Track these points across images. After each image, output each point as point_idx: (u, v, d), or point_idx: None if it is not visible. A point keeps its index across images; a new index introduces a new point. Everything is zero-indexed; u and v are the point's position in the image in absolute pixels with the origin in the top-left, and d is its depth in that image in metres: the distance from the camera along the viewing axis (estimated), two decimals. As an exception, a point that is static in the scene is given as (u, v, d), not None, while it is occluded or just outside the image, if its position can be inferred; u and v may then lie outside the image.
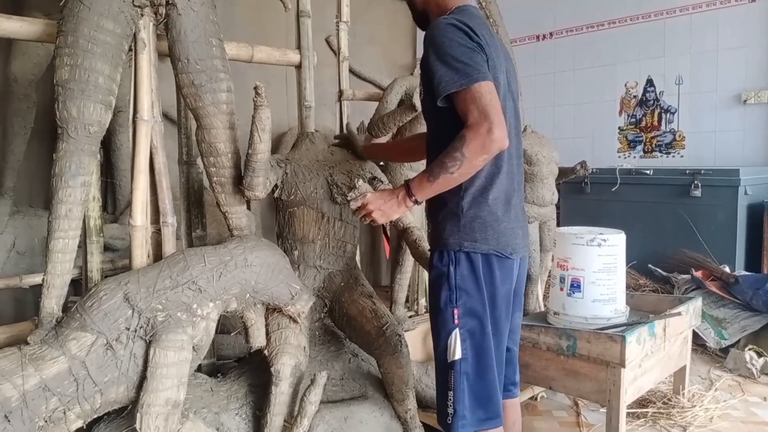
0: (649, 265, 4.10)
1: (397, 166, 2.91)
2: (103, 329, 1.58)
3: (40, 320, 1.65)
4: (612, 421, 2.38)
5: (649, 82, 4.81)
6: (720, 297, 3.60)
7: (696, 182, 3.99)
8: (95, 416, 1.63)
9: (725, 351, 3.42)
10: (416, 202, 1.63)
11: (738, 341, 3.42)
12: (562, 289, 2.62)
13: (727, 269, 3.70)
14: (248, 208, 2.10)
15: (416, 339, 2.89)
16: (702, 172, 4.00)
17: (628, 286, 2.89)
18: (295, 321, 1.95)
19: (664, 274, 4.03)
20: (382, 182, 2.27)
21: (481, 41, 1.56)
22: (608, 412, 2.40)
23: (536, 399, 2.93)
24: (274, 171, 2.07)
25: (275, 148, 3.63)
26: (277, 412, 1.85)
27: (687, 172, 4.08)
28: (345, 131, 2.39)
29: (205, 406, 1.87)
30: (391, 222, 2.24)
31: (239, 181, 1.91)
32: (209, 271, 1.72)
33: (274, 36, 3.46)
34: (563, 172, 3.56)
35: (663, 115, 4.76)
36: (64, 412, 1.53)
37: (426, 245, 2.24)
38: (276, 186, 2.13)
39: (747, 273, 3.72)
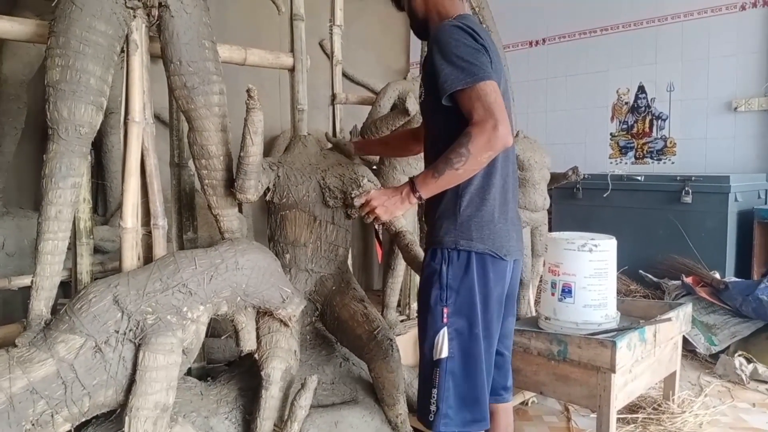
0: (640, 271, 4.12)
1: (390, 170, 2.91)
2: (92, 332, 1.57)
3: (29, 322, 1.63)
4: (602, 427, 2.38)
5: (641, 89, 4.84)
6: (710, 303, 3.62)
7: (687, 189, 4.01)
8: (83, 420, 1.61)
9: (715, 357, 3.43)
10: (420, 199, 1.63)
11: (728, 347, 3.43)
12: (553, 294, 2.62)
13: (717, 275, 3.72)
14: (240, 211, 2.09)
15: (408, 343, 2.89)
16: (693, 178, 4.02)
17: (618, 292, 2.90)
18: (286, 325, 1.94)
19: (655, 279, 4.05)
20: (375, 185, 2.27)
21: (484, 44, 1.60)
22: (598, 417, 2.40)
23: (527, 404, 2.93)
24: (266, 174, 2.06)
25: (267, 151, 3.63)
26: (267, 416, 1.84)
27: (678, 178, 4.10)
28: (333, 138, 2.41)
29: (194, 410, 1.86)
30: (383, 226, 2.24)
31: (231, 184, 1.90)
32: (200, 273, 1.71)
33: (268, 39, 3.47)
34: (555, 178, 3.57)
35: (654, 122, 4.79)
36: (52, 416, 1.52)
37: (418, 249, 2.24)
38: (268, 189, 2.12)
39: (737, 279, 3.74)
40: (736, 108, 4.36)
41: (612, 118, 5.02)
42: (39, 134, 2.81)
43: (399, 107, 2.76)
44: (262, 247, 1.91)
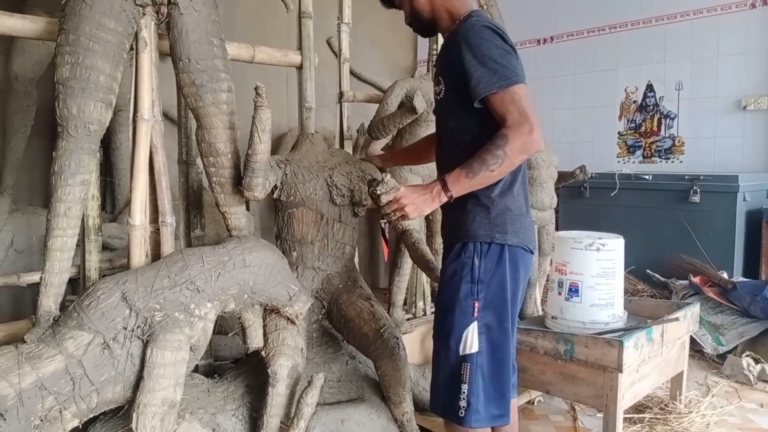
0: (648, 271, 4.11)
1: (396, 169, 2.91)
2: (100, 328, 1.58)
3: (38, 319, 1.64)
4: (609, 426, 2.38)
5: (649, 88, 4.82)
6: (718, 303, 3.61)
7: (695, 188, 3.99)
8: (91, 416, 1.62)
9: (722, 357, 3.42)
10: (451, 198, 1.60)
11: (735, 347, 3.42)
12: (560, 294, 2.61)
13: (725, 275, 3.70)
14: (247, 208, 2.09)
15: (414, 342, 2.89)
16: (701, 177, 4.00)
17: (626, 291, 2.89)
18: (292, 322, 1.94)
19: (662, 279, 4.03)
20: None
21: (513, 45, 1.63)
22: (605, 417, 2.40)
23: (533, 403, 2.93)
24: (273, 172, 2.06)
25: (275, 149, 3.63)
26: (273, 413, 1.85)
27: (686, 177, 4.08)
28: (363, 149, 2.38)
29: (201, 407, 1.87)
30: (390, 224, 2.24)
31: (238, 182, 1.90)
32: (207, 271, 1.72)
33: (276, 37, 3.47)
34: (562, 177, 3.56)
35: (663, 121, 4.77)
36: (60, 411, 1.53)
37: (425, 248, 2.24)
38: (275, 187, 2.13)
39: (745, 279, 3.72)
40: (745, 107, 4.34)
41: (620, 117, 5.00)
42: (48, 132, 2.82)
43: (406, 105, 2.76)
44: (270, 244, 1.92)
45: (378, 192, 1.61)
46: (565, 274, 2.59)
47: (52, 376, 1.52)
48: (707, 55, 4.53)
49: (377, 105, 2.94)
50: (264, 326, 1.94)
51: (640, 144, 4.90)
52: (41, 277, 1.68)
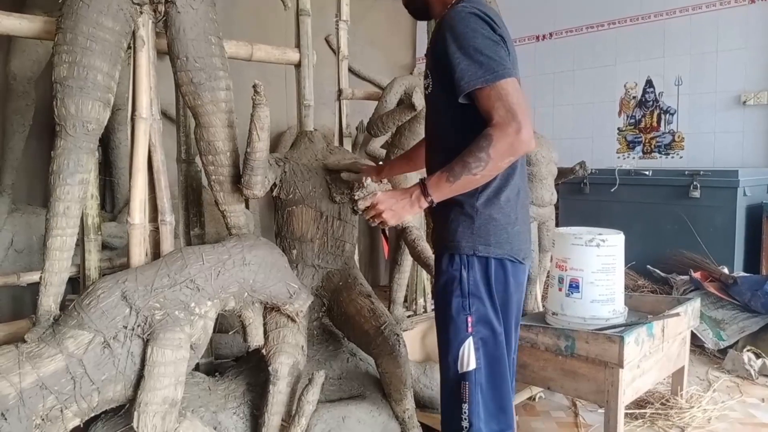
0: (648, 266, 4.11)
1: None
2: (100, 327, 1.58)
3: (38, 318, 1.64)
4: (610, 422, 2.38)
5: (649, 83, 4.81)
6: (718, 298, 3.60)
7: (695, 183, 3.99)
8: (92, 415, 1.63)
9: (723, 352, 3.42)
10: (431, 203, 1.51)
11: (736, 342, 3.42)
12: (560, 290, 2.61)
13: (725, 270, 3.70)
14: (247, 206, 2.09)
15: (415, 339, 2.89)
16: (701, 173, 4.00)
17: (626, 287, 2.89)
18: (293, 320, 1.94)
19: (663, 275, 4.03)
20: (378, 186, 2.24)
21: (503, 34, 1.48)
22: (606, 412, 2.40)
23: (534, 399, 2.93)
24: (272, 170, 2.06)
25: (274, 147, 3.63)
26: (274, 411, 1.85)
27: (686, 173, 4.08)
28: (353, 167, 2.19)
29: (202, 405, 1.87)
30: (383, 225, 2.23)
31: (238, 180, 1.90)
32: (207, 269, 1.72)
33: (274, 35, 3.46)
34: (562, 173, 3.56)
35: (662, 116, 4.76)
36: (62, 411, 1.53)
37: (425, 245, 2.24)
38: (275, 185, 2.13)
39: (745, 274, 3.72)
40: (744, 102, 4.33)
41: (619, 113, 4.99)
42: (47, 131, 2.82)
43: (405, 102, 2.76)
44: (269, 242, 1.92)
45: (356, 197, 1.58)
46: (566, 270, 2.59)
47: (52, 376, 1.52)
48: (707, 50, 4.52)
49: (376, 102, 2.94)
50: (264, 324, 1.95)
51: (639, 139, 4.89)
52: (41, 276, 1.68)
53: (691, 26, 4.58)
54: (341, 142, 2.83)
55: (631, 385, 2.44)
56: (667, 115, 4.74)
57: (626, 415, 2.55)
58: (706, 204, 3.97)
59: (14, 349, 1.54)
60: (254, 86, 1.70)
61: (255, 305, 1.87)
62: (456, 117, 1.53)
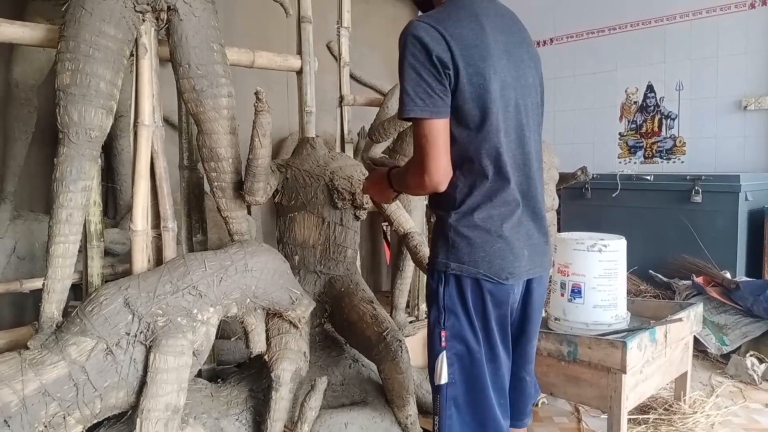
0: (650, 271, 4.10)
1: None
2: (103, 334, 1.58)
3: (41, 325, 1.64)
4: (613, 428, 2.37)
5: (650, 88, 4.82)
6: (721, 303, 3.60)
7: (696, 188, 3.99)
8: (95, 421, 1.62)
9: (726, 357, 3.41)
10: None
11: (739, 347, 3.41)
12: (562, 295, 2.61)
13: (728, 275, 3.69)
14: (249, 213, 2.10)
15: (417, 344, 2.89)
16: (702, 177, 4.00)
17: (628, 292, 2.88)
18: (295, 326, 1.95)
19: (665, 279, 4.03)
20: None
21: (448, 53, 1.39)
22: (609, 418, 2.39)
23: (537, 405, 2.92)
24: (274, 176, 2.07)
25: (276, 154, 3.63)
26: (277, 417, 1.85)
27: (687, 177, 4.08)
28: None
29: (205, 411, 1.87)
30: (391, 227, 2.24)
31: (240, 186, 1.91)
32: (210, 276, 1.72)
33: (276, 42, 3.47)
34: (564, 178, 3.57)
35: (663, 121, 4.77)
36: (64, 417, 1.53)
37: (426, 250, 2.24)
38: (276, 191, 2.13)
39: (748, 279, 3.71)
40: (745, 107, 4.33)
41: (621, 118, 5.00)
42: (50, 138, 2.83)
43: (407, 108, 2.75)
44: (272, 248, 1.92)
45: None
46: (568, 275, 2.59)
47: (55, 382, 1.52)
48: (707, 55, 4.53)
49: (377, 108, 2.95)
50: (267, 330, 1.95)
51: (641, 144, 4.89)
52: (44, 283, 1.68)
53: (691, 31, 4.59)
54: (343, 149, 2.84)
55: (634, 390, 2.44)
56: (669, 120, 4.75)
57: (629, 420, 2.55)
58: (707, 209, 3.97)
59: (17, 356, 1.54)
60: (256, 93, 1.70)
61: (257, 311, 1.87)
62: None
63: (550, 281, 3.28)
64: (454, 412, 1.52)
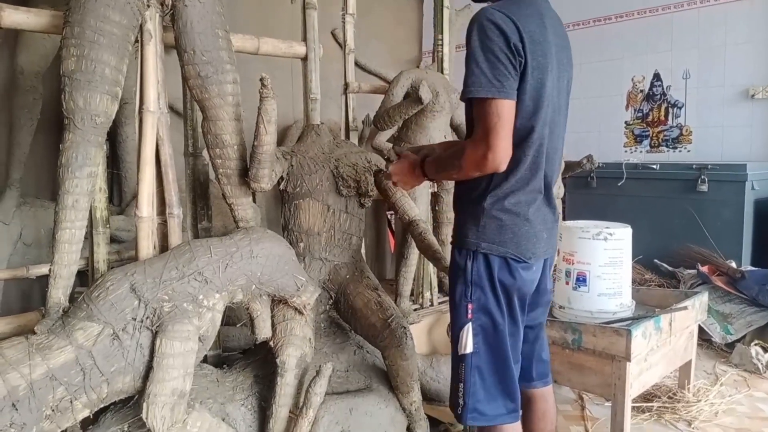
0: (655, 260, 4.10)
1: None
2: (109, 319, 1.59)
3: (47, 310, 1.65)
4: (617, 415, 2.38)
5: (656, 77, 4.79)
6: (726, 292, 3.59)
7: (703, 177, 3.97)
8: (102, 406, 1.64)
9: (731, 346, 3.41)
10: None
11: (744, 336, 3.41)
12: (567, 283, 2.61)
13: (733, 264, 3.69)
14: (254, 200, 2.10)
15: (421, 332, 2.90)
16: (709, 167, 3.98)
17: (633, 281, 2.88)
18: (300, 313, 1.95)
19: (670, 269, 4.02)
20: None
21: (522, 42, 1.48)
22: (613, 406, 2.40)
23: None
24: (279, 163, 2.07)
25: (280, 141, 3.63)
26: (282, 403, 1.86)
27: (693, 167, 4.06)
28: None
29: (210, 397, 1.88)
30: (396, 215, 2.24)
31: (245, 173, 1.91)
32: (215, 262, 1.72)
33: (280, 28, 3.46)
34: (569, 166, 3.55)
35: (670, 110, 4.74)
36: (71, 402, 1.54)
37: (431, 238, 2.24)
38: (282, 178, 2.13)
39: (753, 268, 3.71)
40: (753, 95, 4.30)
41: (627, 107, 4.97)
42: (55, 125, 2.83)
43: (412, 96, 2.75)
44: (277, 235, 1.92)
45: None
46: (573, 263, 2.59)
47: (62, 367, 1.53)
48: (715, 43, 4.50)
49: (382, 96, 2.94)
50: (272, 317, 1.95)
51: (647, 133, 4.87)
52: (50, 269, 1.69)
53: (699, 19, 4.55)
54: (348, 136, 2.83)
55: (638, 378, 2.44)
56: (675, 108, 4.72)
57: (633, 408, 2.56)
58: (713, 198, 3.95)
59: (24, 341, 1.55)
60: (261, 79, 1.70)
61: (263, 298, 1.87)
62: (469, 113, 1.61)
63: (554, 269, 3.29)
64: (477, 380, 1.64)
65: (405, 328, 2.08)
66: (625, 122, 4.98)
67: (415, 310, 3.06)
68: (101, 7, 1.63)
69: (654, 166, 4.26)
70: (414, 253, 2.98)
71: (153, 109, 1.81)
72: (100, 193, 1.89)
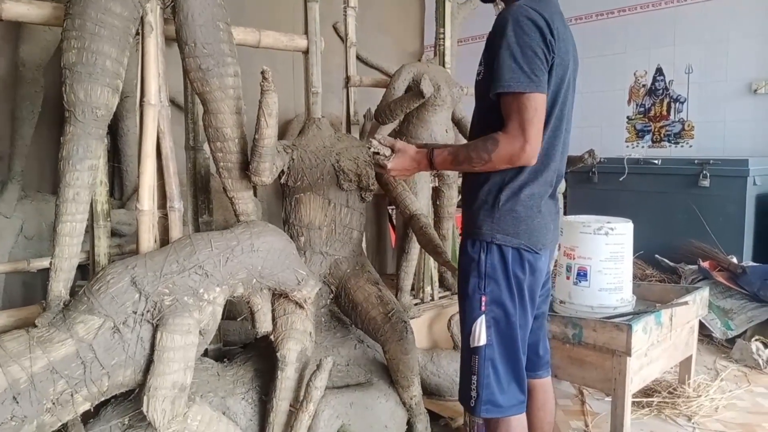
0: (656, 256, 4.09)
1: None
2: (110, 312, 1.59)
3: (48, 303, 1.66)
4: (617, 410, 2.38)
5: (659, 71, 4.78)
6: (727, 288, 3.59)
7: (704, 172, 3.96)
8: (102, 399, 1.64)
9: (731, 342, 3.41)
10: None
11: (744, 332, 3.41)
12: (568, 278, 2.61)
13: (734, 260, 3.68)
14: (255, 194, 2.09)
15: (422, 326, 2.90)
16: (711, 162, 3.97)
17: (634, 277, 2.88)
18: (301, 307, 1.95)
19: (671, 264, 4.02)
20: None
21: (554, 39, 1.54)
22: (613, 400, 2.40)
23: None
24: (280, 156, 2.06)
25: (282, 135, 3.63)
26: (282, 396, 1.86)
27: (695, 162, 4.06)
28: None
29: (211, 390, 1.88)
30: (397, 210, 2.23)
31: (246, 167, 1.90)
32: (216, 255, 1.72)
33: (282, 21, 3.45)
34: (571, 161, 3.52)
35: (672, 105, 4.73)
36: (72, 395, 1.54)
37: (432, 232, 2.24)
38: (282, 172, 2.13)
39: (754, 264, 3.70)
40: (755, 90, 4.29)
41: (629, 101, 4.96)
42: (57, 118, 2.82)
43: (413, 90, 2.74)
44: (277, 229, 1.92)
45: (380, 160, 1.70)
46: (574, 258, 2.59)
47: (63, 360, 1.53)
48: (718, 38, 4.48)
49: (384, 90, 2.93)
50: (273, 311, 1.95)
51: (649, 128, 4.86)
52: (51, 262, 1.69)
53: (702, 14, 4.53)
54: (349, 130, 2.83)
55: (639, 373, 2.44)
56: (677, 103, 4.71)
57: (633, 403, 2.56)
58: (715, 193, 3.95)
59: (25, 334, 1.55)
60: (262, 72, 1.69)
61: (263, 292, 1.87)
62: (489, 109, 1.61)
63: (555, 264, 3.29)
64: (491, 372, 1.65)
65: (405, 322, 2.08)
66: (627, 117, 4.97)
67: (415, 304, 3.06)
68: (102, -1, 1.63)
69: (656, 161, 4.25)
70: (415, 248, 2.97)
71: (154, 102, 1.81)
72: (101, 187, 1.89)
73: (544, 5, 1.57)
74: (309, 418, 1.83)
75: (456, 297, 2.56)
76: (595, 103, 5.10)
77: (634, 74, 4.90)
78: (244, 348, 2.32)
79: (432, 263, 3.17)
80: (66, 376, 1.53)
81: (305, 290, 1.88)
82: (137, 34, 1.78)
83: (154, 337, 1.62)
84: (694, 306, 2.75)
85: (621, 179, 4.37)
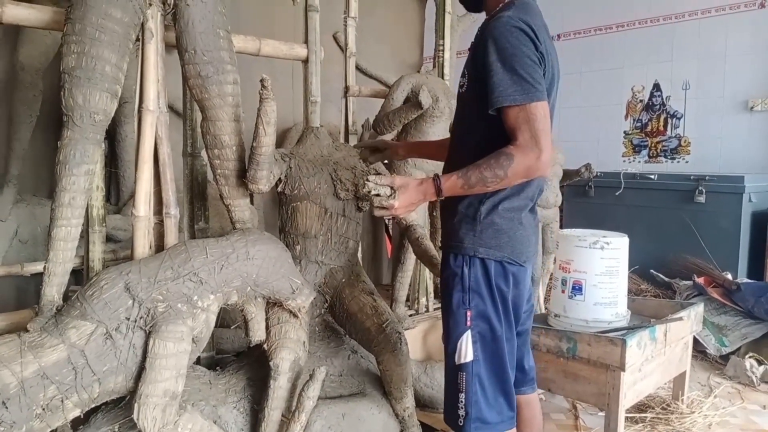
0: (651, 271, 4.10)
1: (402, 164, 2.90)
2: (103, 318, 1.58)
3: (41, 308, 1.64)
4: (610, 425, 2.37)
5: (656, 87, 4.81)
6: (721, 304, 3.60)
7: (700, 188, 3.98)
8: (93, 406, 1.63)
9: (725, 358, 3.41)
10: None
11: (739, 349, 3.41)
12: (563, 292, 2.61)
13: (729, 276, 3.69)
14: (251, 202, 2.09)
15: (416, 337, 2.89)
16: (707, 178, 3.99)
17: (629, 291, 2.88)
18: (295, 316, 1.94)
19: (666, 279, 4.02)
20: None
21: (543, 49, 1.53)
22: (607, 415, 2.39)
23: (535, 401, 2.92)
24: (278, 165, 2.06)
25: (279, 144, 3.63)
26: (275, 406, 1.85)
27: (691, 177, 4.07)
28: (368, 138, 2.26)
29: (203, 399, 1.87)
30: (393, 219, 2.23)
31: (243, 174, 1.90)
32: (211, 263, 1.72)
33: (282, 30, 3.46)
34: (567, 175, 3.56)
35: (669, 120, 4.76)
36: (62, 401, 1.53)
37: (428, 243, 2.24)
38: (279, 180, 2.12)
39: (749, 281, 3.71)
40: (752, 107, 4.32)
41: (626, 116, 4.98)
42: (54, 122, 2.82)
43: (412, 100, 2.75)
44: (273, 237, 1.92)
45: (377, 204, 1.58)
46: (569, 272, 2.59)
47: (54, 366, 1.52)
48: (715, 54, 4.51)
49: (383, 100, 2.94)
50: (266, 319, 1.94)
51: (645, 143, 4.88)
52: (45, 266, 1.68)
53: (699, 30, 4.57)
54: (347, 139, 2.83)
55: (633, 388, 2.44)
56: (674, 119, 4.73)
57: (626, 419, 2.55)
58: (711, 209, 3.96)
59: (17, 339, 1.54)
60: (261, 81, 1.69)
61: (257, 300, 1.87)
62: (481, 122, 1.58)
63: (551, 277, 3.28)
64: (479, 389, 1.62)
65: (400, 333, 2.08)
66: (624, 132, 5.00)
67: (410, 315, 3.06)
68: (103, 4, 1.63)
69: (652, 177, 4.26)
70: (411, 258, 2.97)
71: (152, 108, 1.81)
72: (97, 192, 1.88)
73: (531, 17, 1.55)
74: (301, 428, 1.82)
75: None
76: (593, 117, 5.13)
77: (632, 89, 4.93)
78: (237, 356, 2.31)
79: (427, 274, 3.17)
80: (57, 381, 1.52)
81: (300, 299, 1.88)
82: (137, 40, 1.79)
83: (146, 344, 1.61)
84: (689, 322, 2.75)
85: (617, 194, 4.38)
